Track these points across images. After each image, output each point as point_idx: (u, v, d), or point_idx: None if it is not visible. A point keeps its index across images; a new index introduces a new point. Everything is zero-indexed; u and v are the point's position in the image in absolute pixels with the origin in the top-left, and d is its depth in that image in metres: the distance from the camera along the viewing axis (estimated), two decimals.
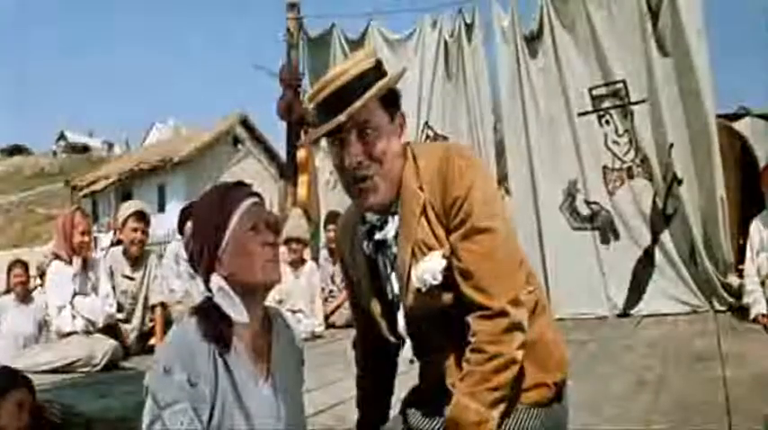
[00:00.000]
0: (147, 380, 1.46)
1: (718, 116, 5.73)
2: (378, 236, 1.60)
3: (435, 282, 1.51)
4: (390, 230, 1.59)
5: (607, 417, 2.52)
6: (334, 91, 1.55)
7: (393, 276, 1.61)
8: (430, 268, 1.51)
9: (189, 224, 1.66)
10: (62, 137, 67.97)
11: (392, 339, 1.65)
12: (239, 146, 24.35)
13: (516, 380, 1.49)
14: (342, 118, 1.50)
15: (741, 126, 5.74)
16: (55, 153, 65.08)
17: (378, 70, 1.58)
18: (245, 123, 24.32)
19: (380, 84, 1.55)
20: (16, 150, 66.50)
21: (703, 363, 3.31)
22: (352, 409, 2.02)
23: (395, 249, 1.59)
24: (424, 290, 1.52)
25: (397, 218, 1.58)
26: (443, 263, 1.51)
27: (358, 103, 1.50)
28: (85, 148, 65.09)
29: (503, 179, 5.67)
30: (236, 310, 1.63)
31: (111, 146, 66.88)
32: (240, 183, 1.65)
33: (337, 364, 3.81)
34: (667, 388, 2.88)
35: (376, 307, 1.68)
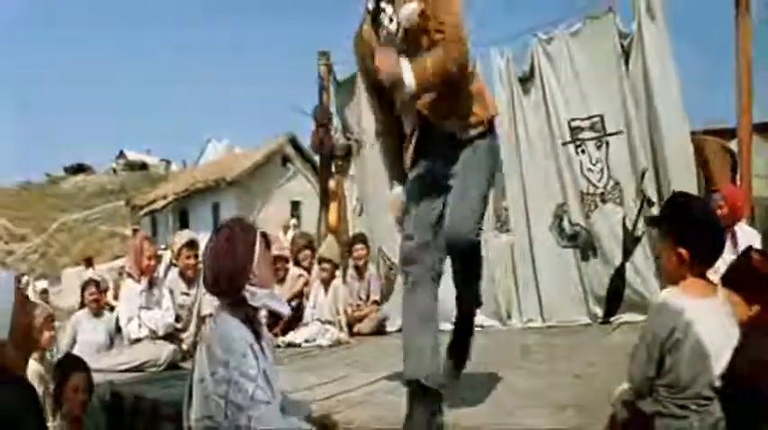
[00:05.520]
0: (224, 372, 2.15)
1: (711, 132, 6.22)
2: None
3: (412, 22, 2.82)
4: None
5: (549, 400, 3.15)
6: None
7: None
8: (408, 8, 2.82)
9: (213, 249, 2.34)
10: (121, 155, 69.69)
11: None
12: (288, 165, 24.84)
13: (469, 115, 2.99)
14: None
15: (733, 142, 5.98)
16: (115, 171, 66.75)
17: None
18: (293, 143, 24.70)
19: None
20: (80, 169, 68.01)
21: None
22: (350, 399, 3.10)
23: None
24: (410, 23, 2.83)
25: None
26: (416, 7, 2.79)
27: None
28: (144, 166, 66.56)
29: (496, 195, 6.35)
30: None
31: (168, 163, 68.17)
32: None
33: (346, 366, 4.64)
34: (598, 382, 3.38)
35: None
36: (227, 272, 2.30)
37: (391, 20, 2.93)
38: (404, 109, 3.12)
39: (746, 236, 4.82)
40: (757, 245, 4.83)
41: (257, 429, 2.13)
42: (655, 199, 5.59)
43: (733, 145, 6.05)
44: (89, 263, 16.33)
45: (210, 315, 5.34)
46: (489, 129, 3.10)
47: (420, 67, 2.75)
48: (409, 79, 2.73)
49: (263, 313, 2.88)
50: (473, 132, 3.04)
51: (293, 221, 16.45)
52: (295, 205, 23.67)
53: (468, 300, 3.36)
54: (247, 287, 2.31)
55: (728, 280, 2.43)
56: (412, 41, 2.89)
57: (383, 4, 2.96)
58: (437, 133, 3.05)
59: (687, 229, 2.24)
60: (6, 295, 1.95)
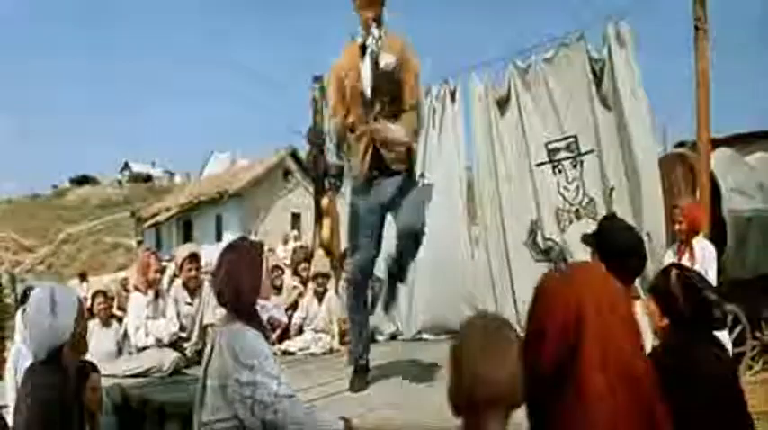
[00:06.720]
0: (249, 375, 2.33)
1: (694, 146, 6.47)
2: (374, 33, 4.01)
3: (389, 69, 3.97)
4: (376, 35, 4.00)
5: None
6: None
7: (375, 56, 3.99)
8: (390, 58, 3.97)
9: (229, 268, 2.56)
10: (126, 167, 70.06)
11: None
12: (290, 177, 25.29)
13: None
14: None
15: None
16: (120, 182, 67.04)
17: None
18: (294, 156, 25.08)
19: None
20: (84, 180, 68.53)
21: None
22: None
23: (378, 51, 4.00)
24: (387, 68, 3.97)
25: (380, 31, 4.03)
26: (396, 61, 3.98)
27: None
28: (148, 178, 66.91)
29: (472, 211, 6.84)
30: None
31: (172, 175, 68.60)
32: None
33: (335, 371, 5.08)
34: None
35: (356, 82, 4.06)
36: (247, 289, 2.56)
37: (376, 62, 3.97)
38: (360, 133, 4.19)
39: (703, 249, 5.14)
40: (712, 258, 5.19)
41: (283, 421, 2.37)
42: (621, 215, 5.90)
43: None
44: (83, 277, 16.78)
45: (212, 324, 5.73)
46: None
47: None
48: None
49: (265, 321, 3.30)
50: (402, 167, 4.19)
51: (293, 233, 16.81)
52: (295, 217, 24.04)
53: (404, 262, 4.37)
54: (259, 300, 2.63)
55: (652, 289, 2.74)
56: (382, 81, 4.02)
57: (371, 45, 3.98)
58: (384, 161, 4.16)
59: (604, 249, 2.65)
60: (73, 306, 2.40)
